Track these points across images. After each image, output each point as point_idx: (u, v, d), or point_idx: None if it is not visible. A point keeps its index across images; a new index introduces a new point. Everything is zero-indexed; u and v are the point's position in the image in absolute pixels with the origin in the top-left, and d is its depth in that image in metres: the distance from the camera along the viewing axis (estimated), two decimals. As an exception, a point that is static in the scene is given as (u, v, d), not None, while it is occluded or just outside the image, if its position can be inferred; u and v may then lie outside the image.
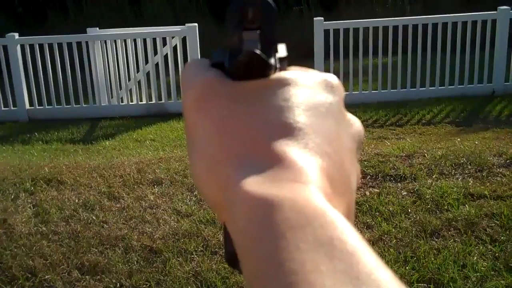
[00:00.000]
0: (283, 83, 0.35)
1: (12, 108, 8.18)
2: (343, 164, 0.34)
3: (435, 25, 7.80)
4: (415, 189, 4.10)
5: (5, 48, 7.92)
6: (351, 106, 6.40)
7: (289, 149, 0.31)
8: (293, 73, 0.37)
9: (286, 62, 0.38)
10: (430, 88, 8.01)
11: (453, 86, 8.02)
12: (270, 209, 0.28)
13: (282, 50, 0.38)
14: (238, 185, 0.30)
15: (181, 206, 4.04)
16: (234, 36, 0.37)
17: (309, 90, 0.36)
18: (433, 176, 4.30)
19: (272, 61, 0.36)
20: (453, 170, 4.40)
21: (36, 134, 7.45)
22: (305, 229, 0.26)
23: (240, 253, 0.29)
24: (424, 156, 4.69)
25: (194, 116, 0.36)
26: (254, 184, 0.29)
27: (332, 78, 0.38)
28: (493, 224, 3.60)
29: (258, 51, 0.35)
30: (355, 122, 0.38)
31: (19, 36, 8.00)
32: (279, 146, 0.32)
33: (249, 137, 0.33)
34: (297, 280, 0.24)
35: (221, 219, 0.33)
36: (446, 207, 3.84)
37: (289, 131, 0.33)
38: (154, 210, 4.02)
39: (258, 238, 0.27)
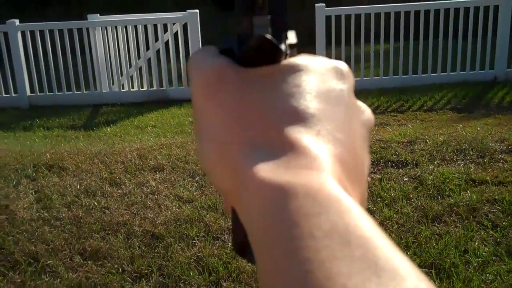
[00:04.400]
0: (294, 69, 0.35)
1: (13, 94, 8.17)
2: (355, 151, 0.33)
3: (437, 11, 7.76)
4: (417, 175, 4.10)
5: (5, 34, 7.90)
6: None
7: (302, 135, 0.31)
8: (304, 59, 0.36)
9: (295, 49, 0.37)
10: (432, 74, 7.99)
11: (455, 73, 8.00)
12: (284, 196, 0.27)
13: (292, 36, 0.37)
14: (251, 171, 0.29)
15: (183, 192, 4.04)
16: (244, 21, 0.36)
17: (320, 76, 0.35)
18: (435, 162, 4.29)
19: (283, 46, 0.35)
20: (455, 156, 4.39)
21: (37, 120, 7.45)
22: (320, 217, 0.26)
23: (253, 241, 0.28)
24: (426, 142, 4.69)
25: (203, 103, 0.35)
26: (267, 171, 0.29)
27: (342, 65, 0.37)
28: (494, 210, 3.60)
29: (269, 36, 0.34)
30: (366, 109, 0.38)
31: (20, 22, 7.97)
32: (291, 132, 0.31)
33: (261, 123, 0.32)
34: (313, 268, 0.24)
35: (229, 205, 0.33)
36: (447, 193, 3.84)
37: (301, 117, 0.32)
38: (156, 196, 4.02)
39: (271, 226, 0.27)
